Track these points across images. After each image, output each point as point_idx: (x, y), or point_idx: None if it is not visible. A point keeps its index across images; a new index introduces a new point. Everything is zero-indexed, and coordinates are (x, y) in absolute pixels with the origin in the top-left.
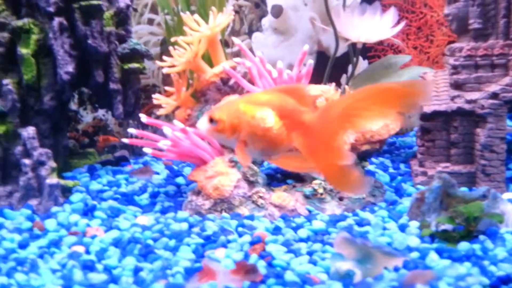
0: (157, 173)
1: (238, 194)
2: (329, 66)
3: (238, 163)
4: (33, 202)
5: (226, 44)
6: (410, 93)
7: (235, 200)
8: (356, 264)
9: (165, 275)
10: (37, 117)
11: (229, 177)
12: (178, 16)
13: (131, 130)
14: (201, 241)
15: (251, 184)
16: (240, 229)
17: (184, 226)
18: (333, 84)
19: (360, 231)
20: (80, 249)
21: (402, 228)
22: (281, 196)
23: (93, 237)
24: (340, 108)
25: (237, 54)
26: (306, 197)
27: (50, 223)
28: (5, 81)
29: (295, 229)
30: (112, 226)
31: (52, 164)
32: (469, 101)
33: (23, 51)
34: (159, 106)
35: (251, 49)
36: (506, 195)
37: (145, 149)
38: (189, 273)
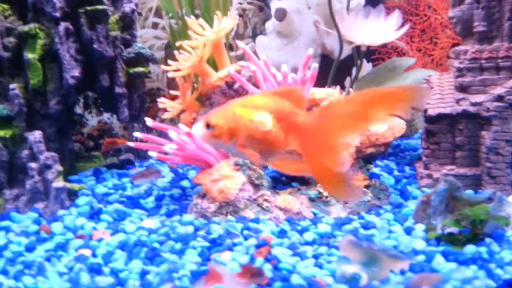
0: (161, 174)
1: (243, 197)
2: (333, 69)
3: (244, 167)
4: (40, 205)
5: (230, 47)
6: (407, 98)
7: (240, 203)
8: (362, 267)
9: (172, 278)
10: (43, 121)
11: (234, 180)
12: (182, 20)
13: (136, 134)
14: (207, 244)
15: (256, 187)
16: (245, 232)
17: (190, 229)
18: (338, 87)
19: (365, 234)
20: (87, 252)
21: (408, 231)
22: (286, 199)
23: (100, 240)
24: (336, 110)
25: (241, 57)
26: (311, 200)
27: (56, 226)
28: (12, 86)
29: (301, 232)
30: (118, 229)
31: (58, 167)
32: (474, 104)
33: (30, 55)
34: (163, 110)
35: (255, 53)
36: None
37: (151, 153)
38: (195, 276)
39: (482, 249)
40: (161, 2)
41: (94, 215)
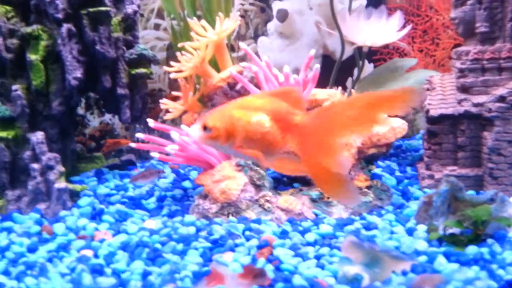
0: (161, 174)
1: (245, 198)
2: (335, 70)
3: (245, 167)
4: (42, 206)
5: (231, 48)
6: (404, 101)
7: (242, 204)
8: (364, 268)
9: (174, 279)
10: (46, 122)
11: (236, 181)
12: (184, 21)
13: (138, 135)
14: (208, 245)
15: (258, 188)
16: (247, 233)
17: (192, 230)
18: (340, 88)
19: (367, 235)
20: (89, 253)
21: (410, 231)
22: (288, 199)
23: (102, 241)
24: (334, 112)
25: (243, 58)
26: (313, 200)
27: (58, 227)
28: (14, 87)
29: (302, 233)
30: (120, 230)
31: (61, 168)
32: (476, 105)
33: (32, 57)
34: (165, 111)
35: (256, 54)
36: None
37: (153, 154)
38: (197, 277)
39: (484, 250)
40: (163, 3)
41: (96, 216)
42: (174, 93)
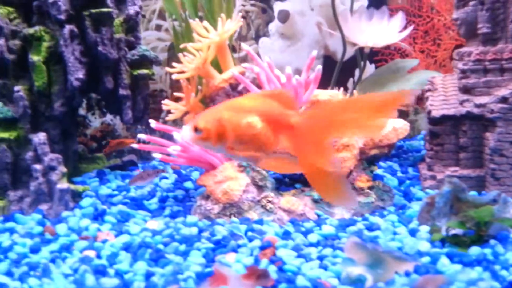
0: (160, 174)
1: (247, 199)
2: (337, 71)
3: (247, 168)
4: (44, 206)
5: (233, 49)
6: (395, 106)
7: (244, 205)
8: (367, 269)
9: (177, 280)
10: (48, 123)
11: (238, 182)
12: (185, 22)
13: (141, 136)
14: (211, 245)
15: (260, 188)
16: (249, 233)
17: (194, 230)
18: (341, 89)
19: (370, 236)
20: (91, 253)
21: (412, 232)
22: (290, 200)
23: (104, 241)
24: (327, 112)
25: (244, 59)
26: (315, 201)
27: (61, 228)
28: (17, 88)
29: (305, 233)
30: (122, 231)
31: (63, 169)
32: (478, 105)
33: (34, 58)
34: (167, 111)
35: (258, 54)
36: None
37: (155, 154)
38: (201, 278)
39: (487, 251)
40: (164, 4)
41: (98, 216)
42: (176, 94)
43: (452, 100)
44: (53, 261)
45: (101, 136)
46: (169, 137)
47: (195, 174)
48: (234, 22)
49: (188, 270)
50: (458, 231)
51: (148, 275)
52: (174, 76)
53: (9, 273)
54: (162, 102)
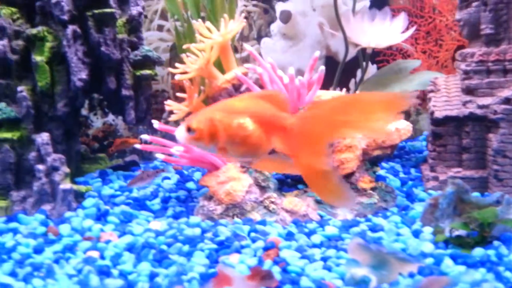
0: (160, 174)
1: (250, 199)
2: (339, 71)
3: (250, 169)
4: (47, 207)
5: (235, 49)
6: (392, 108)
7: (247, 205)
8: (371, 270)
9: (181, 281)
10: (51, 123)
11: (241, 183)
12: (187, 22)
13: (144, 136)
14: (214, 246)
15: (263, 189)
16: (252, 234)
17: (197, 231)
18: (344, 89)
19: (373, 237)
20: (95, 254)
21: (416, 234)
22: (293, 201)
23: (107, 242)
24: (322, 112)
25: (246, 59)
26: (318, 202)
27: (64, 228)
28: (20, 88)
29: (308, 234)
30: (125, 231)
31: (66, 169)
32: (481, 106)
33: (38, 58)
34: (169, 112)
35: (259, 55)
36: None
37: (157, 155)
38: (204, 278)
39: (491, 252)
40: (166, 5)
41: (101, 217)
42: (179, 94)
43: (455, 101)
44: (56, 261)
45: (103, 136)
46: (171, 138)
47: (197, 175)
48: (237, 23)
49: (192, 271)
50: (461, 232)
51: (152, 276)
52: (177, 77)
53: (13, 274)
54: (165, 102)
